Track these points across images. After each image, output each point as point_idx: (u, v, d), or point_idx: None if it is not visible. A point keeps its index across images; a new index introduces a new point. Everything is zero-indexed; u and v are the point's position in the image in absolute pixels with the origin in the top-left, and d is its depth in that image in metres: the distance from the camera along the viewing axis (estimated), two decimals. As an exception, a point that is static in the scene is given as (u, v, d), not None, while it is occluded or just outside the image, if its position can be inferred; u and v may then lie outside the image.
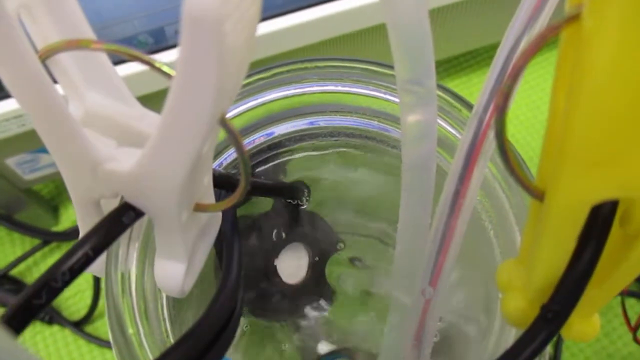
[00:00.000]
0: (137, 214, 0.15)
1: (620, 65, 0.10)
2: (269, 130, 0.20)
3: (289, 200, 0.24)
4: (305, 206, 0.23)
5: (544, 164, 0.13)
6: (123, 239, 0.17)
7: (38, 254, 0.41)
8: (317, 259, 0.25)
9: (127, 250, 0.17)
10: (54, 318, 0.39)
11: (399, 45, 0.15)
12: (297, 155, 0.22)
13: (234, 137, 0.13)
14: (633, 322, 0.35)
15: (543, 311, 0.13)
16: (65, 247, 0.41)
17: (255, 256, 0.26)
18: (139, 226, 0.18)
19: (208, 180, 0.16)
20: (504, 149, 0.12)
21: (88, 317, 0.38)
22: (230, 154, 0.20)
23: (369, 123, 0.20)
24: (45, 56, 0.13)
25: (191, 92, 0.11)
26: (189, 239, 0.16)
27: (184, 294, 0.17)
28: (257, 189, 0.22)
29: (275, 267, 0.26)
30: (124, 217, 0.14)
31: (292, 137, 0.21)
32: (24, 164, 0.38)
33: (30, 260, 0.41)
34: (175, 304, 0.19)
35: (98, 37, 0.14)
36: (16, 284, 0.40)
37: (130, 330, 0.16)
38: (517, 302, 0.14)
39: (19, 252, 0.41)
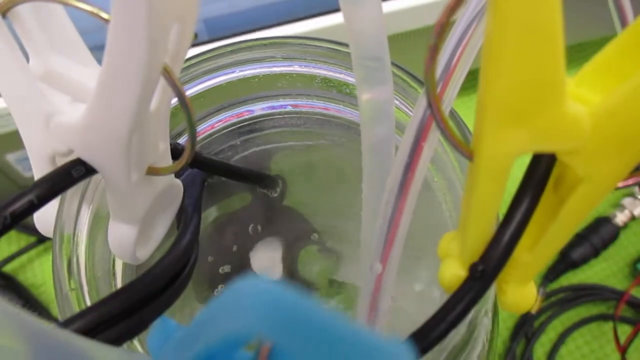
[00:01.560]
0: (88, 170, 0.15)
1: (528, 16, 0.10)
2: (234, 111, 0.21)
3: (263, 190, 0.24)
4: (276, 195, 0.24)
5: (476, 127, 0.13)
6: (73, 199, 0.18)
7: (33, 252, 0.41)
8: (290, 252, 0.25)
9: (77, 210, 0.17)
10: (43, 316, 0.39)
11: (353, 24, 0.16)
12: (269, 146, 0.22)
13: (176, 90, 0.13)
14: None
15: (471, 270, 0.13)
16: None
17: (230, 249, 0.26)
18: (93, 189, 0.18)
19: (164, 147, 0.17)
20: (432, 101, 0.12)
21: (76, 316, 0.38)
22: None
23: (336, 107, 0.20)
24: (4, 8, 0.14)
25: (124, 38, 0.12)
26: (142, 204, 0.17)
27: (138, 261, 0.17)
28: (232, 174, 0.23)
29: (249, 259, 0.26)
30: (73, 170, 0.15)
31: (261, 121, 0.21)
32: (24, 160, 0.39)
33: (24, 258, 0.41)
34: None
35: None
36: (8, 281, 0.40)
37: (72, 286, 0.16)
38: (454, 269, 0.14)
39: (14, 249, 0.41)
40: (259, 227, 0.26)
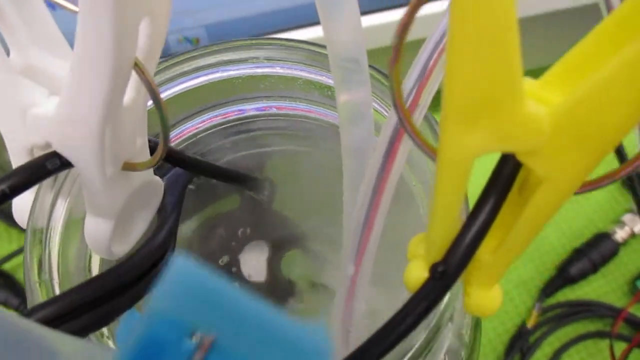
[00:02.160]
0: (63, 162, 0.15)
1: (483, 15, 0.10)
2: (215, 112, 0.21)
3: (251, 193, 0.24)
4: (264, 198, 0.24)
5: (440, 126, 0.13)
6: (47, 192, 0.18)
7: (32, 251, 0.42)
8: (276, 255, 0.25)
9: (52, 203, 0.17)
10: (39, 314, 0.39)
11: (330, 25, 0.16)
12: (256, 150, 0.23)
13: (146, 83, 0.14)
14: (619, 362, 0.34)
15: (432, 270, 0.13)
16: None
17: (217, 251, 0.26)
18: (70, 183, 0.18)
19: (142, 143, 0.17)
20: (396, 99, 0.12)
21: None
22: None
23: (318, 110, 0.20)
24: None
25: (90, 29, 0.12)
26: (119, 199, 0.17)
27: (114, 256, 0.18)
28: (217, 174, 0.23)
29: (238, 262, 0.26)
30: (48, 162, 0.15)
31: (246, 122, 0.21)
32: (25, 160, 0.39)
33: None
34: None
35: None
36: (7, 279, 0.41)
37: (39, 278, 0.16)
38: (418, 270, 0.14)
39: (14, 248, 0.42)
40: (248, 230, 0.26)
